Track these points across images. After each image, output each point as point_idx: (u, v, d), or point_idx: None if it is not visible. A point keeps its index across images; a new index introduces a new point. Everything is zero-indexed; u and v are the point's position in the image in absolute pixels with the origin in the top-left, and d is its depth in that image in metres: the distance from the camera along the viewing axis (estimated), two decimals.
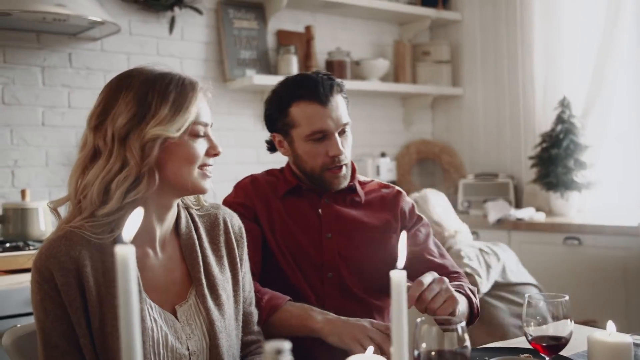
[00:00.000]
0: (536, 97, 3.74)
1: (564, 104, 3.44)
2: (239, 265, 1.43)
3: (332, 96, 1.65)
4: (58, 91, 2.98)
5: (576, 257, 3.15)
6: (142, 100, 1.23)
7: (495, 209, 3.46)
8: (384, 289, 1.68)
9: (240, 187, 1.79)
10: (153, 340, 1.24)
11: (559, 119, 3.44)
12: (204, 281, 1.34)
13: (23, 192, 2.65)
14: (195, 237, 1.37)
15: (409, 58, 4.11)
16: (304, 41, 3.69)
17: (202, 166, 1.30)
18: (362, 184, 1.83)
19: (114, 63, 3.12)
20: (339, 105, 1.67)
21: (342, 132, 1.68)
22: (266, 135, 1.80)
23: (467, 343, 1.01)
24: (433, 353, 1.01)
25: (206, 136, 1.31)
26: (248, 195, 1.75)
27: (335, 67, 3.72)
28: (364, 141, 3.95)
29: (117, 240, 1.22)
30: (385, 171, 3.86)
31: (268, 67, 3.58)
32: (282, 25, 3.70)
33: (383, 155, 3.96)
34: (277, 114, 1.70)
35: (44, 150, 2.95)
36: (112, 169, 1.22)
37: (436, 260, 1.75)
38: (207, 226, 1.41)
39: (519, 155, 3.90)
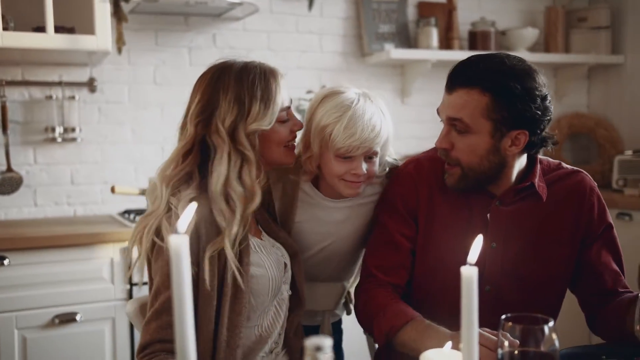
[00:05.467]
0: None
1: None
2: None
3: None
4: (203, 71, 3.14)
5: None
6: (238, 100, 1.41)
7: None
8: (548, 308, 1.48)
9: (405, 174, 1.60)
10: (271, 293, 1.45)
11: None
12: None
13: None
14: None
15: (562, 25, 3.83)
16: (445, 12, 3.58)
17: (288, 143, 1.50)
18: (546, 170, 1.60)
19: (254, 41, 3.23)
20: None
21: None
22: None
23: (556, 343, 0.95)
24: (516, 353, 0.96)
25: (289, 117, 1.51)
26: (414, 186, 1.56)
27: (479, 39, 3.57)
28: None
29: None
30: None
31: (408, 41, 3.52)
32: None
33: None
34: None
35: None
36: (237, 163, 1.39)
37: (621, 279, 1.55)
38: None
39: None
